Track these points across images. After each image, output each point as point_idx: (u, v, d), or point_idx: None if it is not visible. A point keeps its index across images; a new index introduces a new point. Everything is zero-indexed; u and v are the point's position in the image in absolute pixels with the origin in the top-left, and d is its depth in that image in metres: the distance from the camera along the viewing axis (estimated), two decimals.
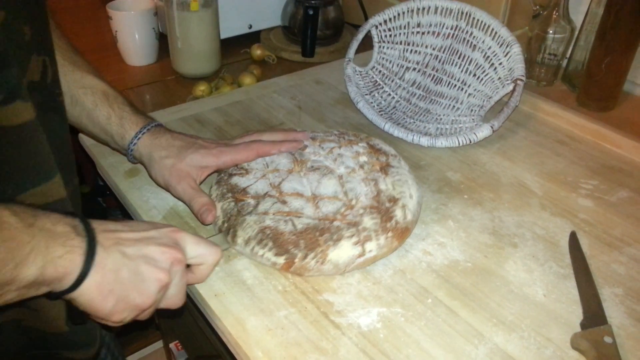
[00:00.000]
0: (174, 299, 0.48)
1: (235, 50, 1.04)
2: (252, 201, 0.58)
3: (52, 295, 0.42)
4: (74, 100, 0.62)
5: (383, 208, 0.57)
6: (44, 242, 0.39)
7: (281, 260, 0.54)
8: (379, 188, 0.59)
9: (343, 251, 0.53)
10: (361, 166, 0.62)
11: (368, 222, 0.55)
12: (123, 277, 0.43)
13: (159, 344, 1.37)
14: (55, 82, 0.52)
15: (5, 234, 0.38)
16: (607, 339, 0.47)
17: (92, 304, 0.43)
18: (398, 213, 0.57)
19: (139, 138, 0.61)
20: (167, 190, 0.61)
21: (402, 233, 0.56)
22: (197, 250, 0.49)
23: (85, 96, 0.62)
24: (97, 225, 0.44)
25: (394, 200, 0.58)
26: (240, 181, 0.61)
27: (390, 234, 0.55)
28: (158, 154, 0.60)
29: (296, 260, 0.53)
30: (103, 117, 0.62)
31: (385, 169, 0.62)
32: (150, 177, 0.62)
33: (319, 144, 0.66)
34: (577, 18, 0.88)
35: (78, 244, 0.41)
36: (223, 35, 0.99)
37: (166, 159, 0.59)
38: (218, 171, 0.63)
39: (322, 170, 0.61)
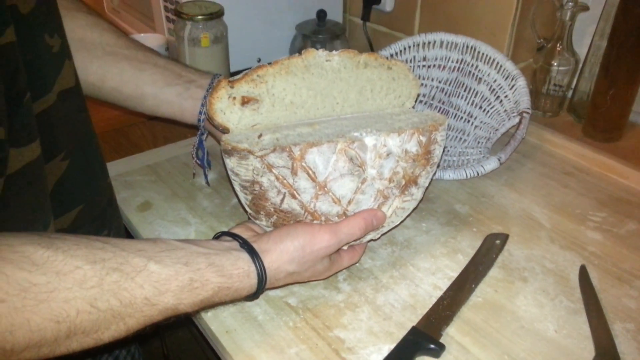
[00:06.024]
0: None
1: None
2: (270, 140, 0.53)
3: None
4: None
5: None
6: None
7: (248, 210, 0.55)
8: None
9: None
10: (391, 177, 0.54)
11: None
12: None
13: None
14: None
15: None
16: None
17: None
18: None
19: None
20: None
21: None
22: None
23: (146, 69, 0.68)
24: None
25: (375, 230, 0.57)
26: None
27: None
28: None
29: (256, 222, 0.56)
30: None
31: (408, 185, 0.55)
32: None
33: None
34: (581, 50, 0.90)
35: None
36: (233, 69, 1.01)
37: None
38: None
39: (354, 167, 0.52)
